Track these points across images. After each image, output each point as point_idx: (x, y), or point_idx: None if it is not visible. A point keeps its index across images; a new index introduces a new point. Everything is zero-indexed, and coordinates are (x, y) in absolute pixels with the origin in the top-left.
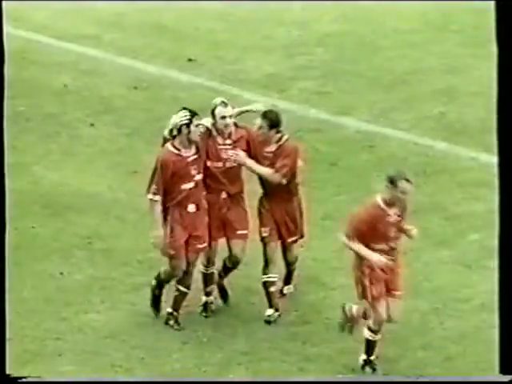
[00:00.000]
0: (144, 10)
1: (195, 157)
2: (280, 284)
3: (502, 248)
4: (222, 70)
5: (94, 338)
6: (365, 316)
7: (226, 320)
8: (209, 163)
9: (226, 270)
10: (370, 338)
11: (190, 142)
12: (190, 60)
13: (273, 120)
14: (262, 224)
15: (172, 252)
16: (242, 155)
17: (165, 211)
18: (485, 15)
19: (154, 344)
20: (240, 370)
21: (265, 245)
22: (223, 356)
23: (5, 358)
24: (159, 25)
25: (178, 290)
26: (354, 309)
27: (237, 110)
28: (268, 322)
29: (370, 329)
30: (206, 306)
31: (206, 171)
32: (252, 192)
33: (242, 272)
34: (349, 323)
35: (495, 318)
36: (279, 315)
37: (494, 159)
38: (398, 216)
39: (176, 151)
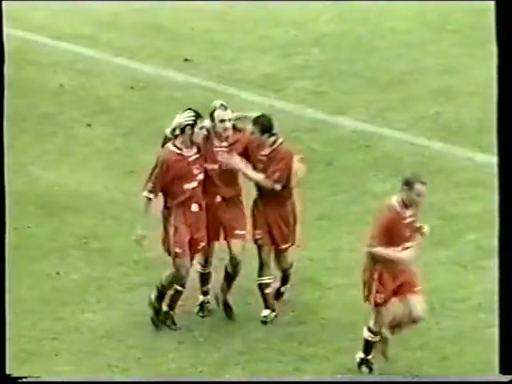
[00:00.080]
0: (140, 10)
1: (197, 156)
2: (277, 285)
3: (502, 248)
4: (218, 70)
5: (90, 338)
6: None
7: (223, 320)
8: (205, 165)
9: (228, 279)
10: (370, 339)
11: (192, 143)
12: (186, 60)
13: (264, 125)
14: (254, 226)
15: (178, 250)
16: (235, 159)
17: (167, 211)
18: (481, 15)
19: (151, 344)
20: (236, 370)
21: (259, 247)
22: (220, 356)
23: (5, 357)
24: (156, 25)
25: (173, 289)
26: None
27: (236, 114)
28: (264, 323)
29: (369, 329)
30: (202, 305)
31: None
32: (248, 194)
33: None
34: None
35: (492, 318)
36: (275, 316)
37: (491, 159)
38: (413, 217)
39: (178, 151)
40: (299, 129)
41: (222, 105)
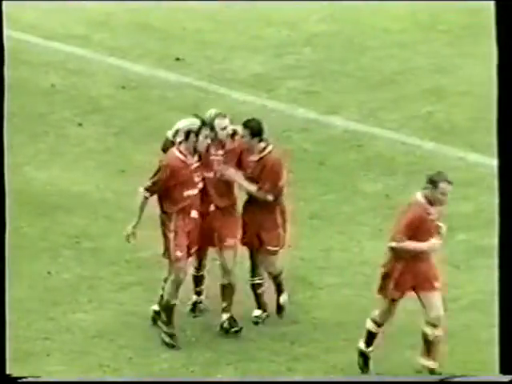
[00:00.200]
0: (132, 10)
1: (198, 164)
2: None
3: (502, 248)
4: (210, 70)
5: (81, 338)
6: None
7: (215, 320)
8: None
9: (223, 292)
10: (373, 330)
11: (195, 150)
12: (177, 60)
13: (254, 128)
14: (244, 230)
15: (179, 254)
16: (230, 171)
17: (165, 216)
18: (473, 15)
19: (142, 344)
20: (228, 369)
21: (251, 250)
22: (211, 356)
23: (5, 358)
24: (147, 25)
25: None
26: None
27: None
28: (256, 323)
29: (374, 320)
30: (195, 305)
31: None
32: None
33: None
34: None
35: (483, 318)
36: (267, 316)
37: (482, 159)
38: (437, 214)
39: (182, 157)
40: (291, 128)
41: (219, 113)
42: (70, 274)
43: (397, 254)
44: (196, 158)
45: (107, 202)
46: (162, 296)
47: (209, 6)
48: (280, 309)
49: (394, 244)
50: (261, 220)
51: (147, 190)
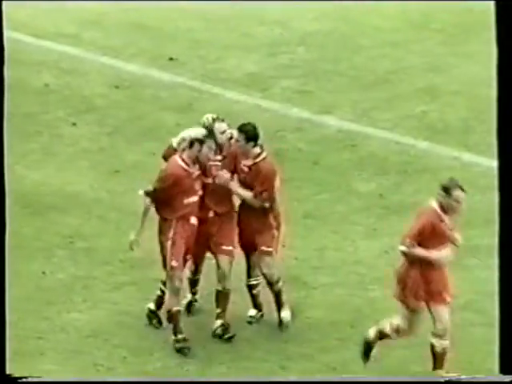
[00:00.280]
0: (125, 9)
1: (199, 172)
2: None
3: (502, 248)
4: (203, 69)
5: (76, 337)
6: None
7: (209, 319)
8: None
9: (218, 298)
10: (388, 333)
11: (198, 160)
12: (171, 59)
13: (249, 133)
14: (238, 232)
15: (175, 264)
16: (226, 177)
17: (164, 222)
18: (466, 14)
19: (137, 343)
20: (222, 369)
21: (246, 252)
22: (206, 355)
23: (5, 358)
24: (140, 24)
25: (160, 289)
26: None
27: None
28: (250, 323)
29: (395, 329)
30: (189, 305)
31: None
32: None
33: None
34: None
35: (477, 317)
36: (261, 315)
37: (476, 158)
38: (450, 222)
39: (185, 166)
40: (285, 128)
41: (217, 117)
42: (64, 274)
43: (409, 259)
44: (197, 166)
45: (101, 202)
46: (158, 296)
47: (202, 5)
48: (281, 323)
49: (403, 248)
50: (255, 222)
51: (148, 194)
